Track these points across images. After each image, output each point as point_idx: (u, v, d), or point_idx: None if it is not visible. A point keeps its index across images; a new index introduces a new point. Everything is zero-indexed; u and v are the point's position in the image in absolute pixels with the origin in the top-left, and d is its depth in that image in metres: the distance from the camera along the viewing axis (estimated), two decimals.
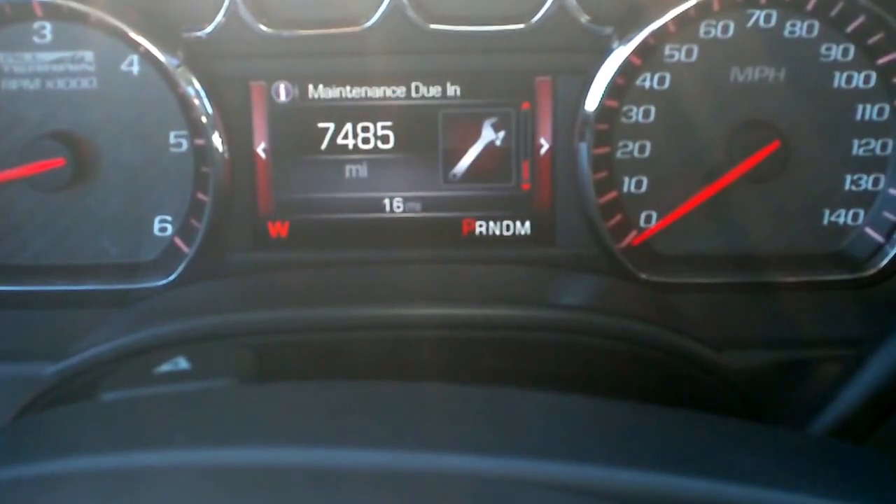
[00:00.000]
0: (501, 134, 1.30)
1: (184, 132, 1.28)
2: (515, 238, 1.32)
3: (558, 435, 0.76)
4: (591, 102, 1.25)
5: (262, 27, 1.24)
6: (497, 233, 1.32)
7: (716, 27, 1.24)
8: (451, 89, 1.29)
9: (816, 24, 1.24)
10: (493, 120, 1.29)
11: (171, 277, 1.29)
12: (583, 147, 1.26)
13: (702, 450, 0.76)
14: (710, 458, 0.74)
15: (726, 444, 0.78)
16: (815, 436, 0.92)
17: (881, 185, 1.28)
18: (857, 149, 1.27)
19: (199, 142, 1.27)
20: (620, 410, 0.81)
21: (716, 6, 1.23)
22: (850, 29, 1.24)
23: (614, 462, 0.71)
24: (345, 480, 0.69)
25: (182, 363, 0.92)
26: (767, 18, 1.24)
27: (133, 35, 1.23)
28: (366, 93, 1.29)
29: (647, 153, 1.28)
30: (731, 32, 1.24)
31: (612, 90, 1.25)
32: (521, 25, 1.24)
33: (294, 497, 0.68)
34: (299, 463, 0.71)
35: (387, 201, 1.32)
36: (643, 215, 1.30)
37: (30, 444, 0.77)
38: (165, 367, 0.91)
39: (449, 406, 0.80)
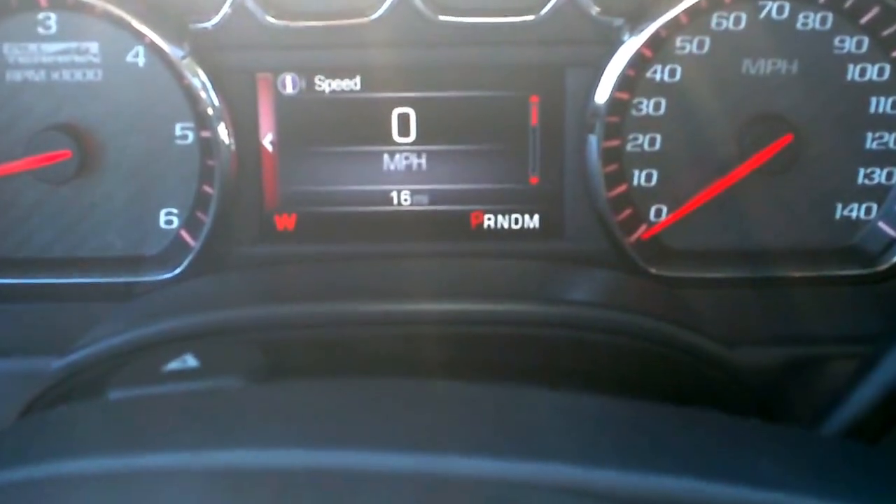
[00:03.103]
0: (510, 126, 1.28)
1: (190, 124, 1.27)
2: (524, 232, 1.31)
3: (571, 437, 0.75)
4: (602, 95, 1.23)
5: (269, 18, 1.23)
6: (505, 226, 1.31)
7: (728, 19, 1.23)
8: (460, 81, 1.27)
9: (830, 16, 1.23)
10: (501, 112, 1.28)
11: (177, 271, 1.28)
12: (592, 140, 1.25)
13: (715, 452, 0.75)
14: (723, 461, 0.73)
15: (740, 445, 0.77)
16: (828, 436, 0.91)
17: (895, 179, 1.27)
18: (870, 142, 1.26)
19: (205, 134, 1.26)
20: (633, 410, 0.80)
21: None
22: (864, 21, 1.22)
23: (627, 465, 0.70)
24: (355, 482, 0.68)
25: (190, 361, 0.91)
26: (780, 10, 1.23)
27: (138, 26, 1.22)
28: (373, 85, 1.28)
29: (657, 146, 1.27)
30: (743, 24, 1.23)
31: (623, 82, 1.23)
32: (531, 17, 1.23)
33: (304, 499, 0.67)
34: (310, 464, 0.70)
35: (394, 194, 1.31)
36: (653, 209, 1.29)
37: (35, 446, 0.76)
38: (174, 365, 0.91)
39: (462, 406, 0.79)
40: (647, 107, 1.25)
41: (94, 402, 0.89)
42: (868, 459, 0.81)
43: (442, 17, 1.23)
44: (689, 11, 1.21)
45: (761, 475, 0.71)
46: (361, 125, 1.29)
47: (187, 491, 0.69)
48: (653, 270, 1.27)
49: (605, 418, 0.79)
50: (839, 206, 1.28)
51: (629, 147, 1.27)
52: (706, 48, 1.24)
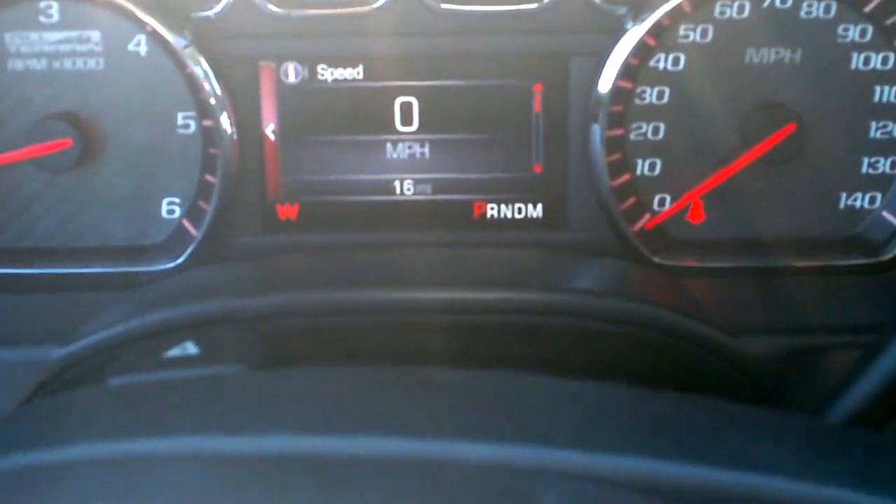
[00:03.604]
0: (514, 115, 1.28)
1: (192, 113, 1.27)
2: (527, 221, 1.31)
3: (575, 423, 0.74)
4: (605, 83, 1.23)
5: (271, 7, 1.23)
6: (508, 216, 1.31)
7: (731, 7, 1.23)
8: (462, 70, 1.27)
9: (834, 5, 1.22)
10: (504, 101, 1.27)
11: (179, 260, 1.28)
12: (596, 129, 1.24)
13: (720, 438, 0.75)
14: (727, 447, 0.73)
15: (745, 432, 0.77)
16: (835, 424, 0.90)
17: None
18: (874, 131, 1.25)
19: (207, 123, 1.26)
20: (637, 397, 0.80)
21: None
22: (868, 9, 1.22)
23: (632, 451, 0.70)
24: (356, 468, 0.68)
25: (191, 348, 0.91)
26: None
27: (140, 15, 1.21)
28: (376, 74, 1.27)
29: (660, 135, 1.26)
30: (746, 13, 1.23)
31: (626, 71, 1.23)
32: (534, 5, 1.23)
33: (305, 485, 0.67)
34: (309, 450, 0.70)
35: (397, 183, 1.30)
36: (657, 198, 1.28)
37: (36, 431, 0.76)
38: (174, 352, 0.90)
39: (465, 392, 0.79)
40: (650, 95, 1.25)
41: (94, 388, 0.88)
42: (874, 446, 0.81)
43: (444, 6, 1.23)
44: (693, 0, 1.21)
45: (767, 461, 0.71)
46: (364, 114, 1.28)
47: (185, 476, 0.68)
48: (656, 260, 1.27)
49: (608, 405, 0.79)
50: (843, 195, 1.28)
51: (632, 136, 1.26)
52: (709, 37, 1.23)
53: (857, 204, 1.28)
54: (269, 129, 1.28)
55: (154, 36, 1.24)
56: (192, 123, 1.27)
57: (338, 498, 0.64)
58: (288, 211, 1.31)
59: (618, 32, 1.22)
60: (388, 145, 1.29)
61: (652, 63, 1.24)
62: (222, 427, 0.73)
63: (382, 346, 1.12)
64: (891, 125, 1.25)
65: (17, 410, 1.01)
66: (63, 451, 0.72)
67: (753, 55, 1.24)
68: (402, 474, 0.68)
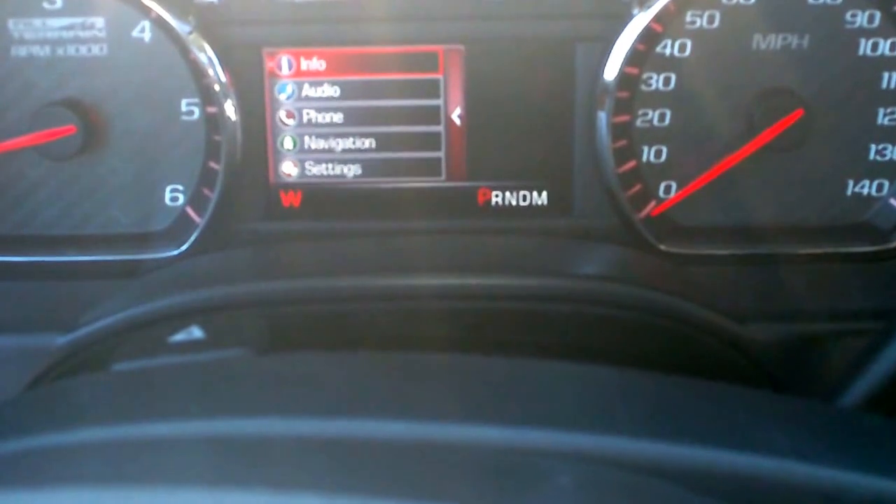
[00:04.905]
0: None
1: (196, 100, 1.26)
2: (532, 208, 1.30)
3: (587, 406, 0.74)
4: (611, 70, 1.22)
5: None
6: (513, 203, 1.30)
7: None
8: (469, 56, 1.26)
9: None
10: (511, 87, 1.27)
11: (183, 248, 1.27)
12: (602, 115, 1.23)
13: (731, 422, 0.74)
14: (739, 431, 0.73)
15: (756, 416, 0.76)
16: (846, 409, 0.90)
17: None
18: (882, 118, 1.24)
19: (211, 110, 1.25)
20: (648, 381, 0.80)
21: None
22: None
23: (643, 434, 0.69)
24: (361, 451, 0.68)
25: (196, 332, 0.90)
26: None
27: (144, 0, 1.21)
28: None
29: (667, 122, 1.26)
30: None
31: (633, 57, 1.22)
32: None
33: (309, 467, 0.67)
34: (315, 433, 0.69)
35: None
36: (663, 185, 1.27)
37: (41, 416, 0.76)
38: (179, 337, 0.90)
39: (475, 377, 0.78)
40: (656, 82, 1.24)
41: (98, 373, 0.88)
42: (886, 431, 0.80)
43: None
44: None
45: (778, 445, 0.70)
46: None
47: (190, 459, 0.68)
48: (662, 247, 1.26)
49: (618, 388, 0.78)
50: (850, 182, 1.27)
51: (639, 122, 1.26)
52: (716, 23, 1.23)
53: (865, 191, 1.27)
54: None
55: (158, 22, 1.23)
56: (196, 110, 1.26)
57: (347, 480, 0.64)
58: (292, 198, 1.30)
59: (624, 18, 1.21)
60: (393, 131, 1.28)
61: (658, 49, 1.23)
62: (226, 410, 0.73)
63: (386, 332, 1.11)
64: None
65: (22, 394, 1.01)
66: (65, 434, 0.71)
67: (760, 41, 1.23)
68: (412, 457, 0.67)
